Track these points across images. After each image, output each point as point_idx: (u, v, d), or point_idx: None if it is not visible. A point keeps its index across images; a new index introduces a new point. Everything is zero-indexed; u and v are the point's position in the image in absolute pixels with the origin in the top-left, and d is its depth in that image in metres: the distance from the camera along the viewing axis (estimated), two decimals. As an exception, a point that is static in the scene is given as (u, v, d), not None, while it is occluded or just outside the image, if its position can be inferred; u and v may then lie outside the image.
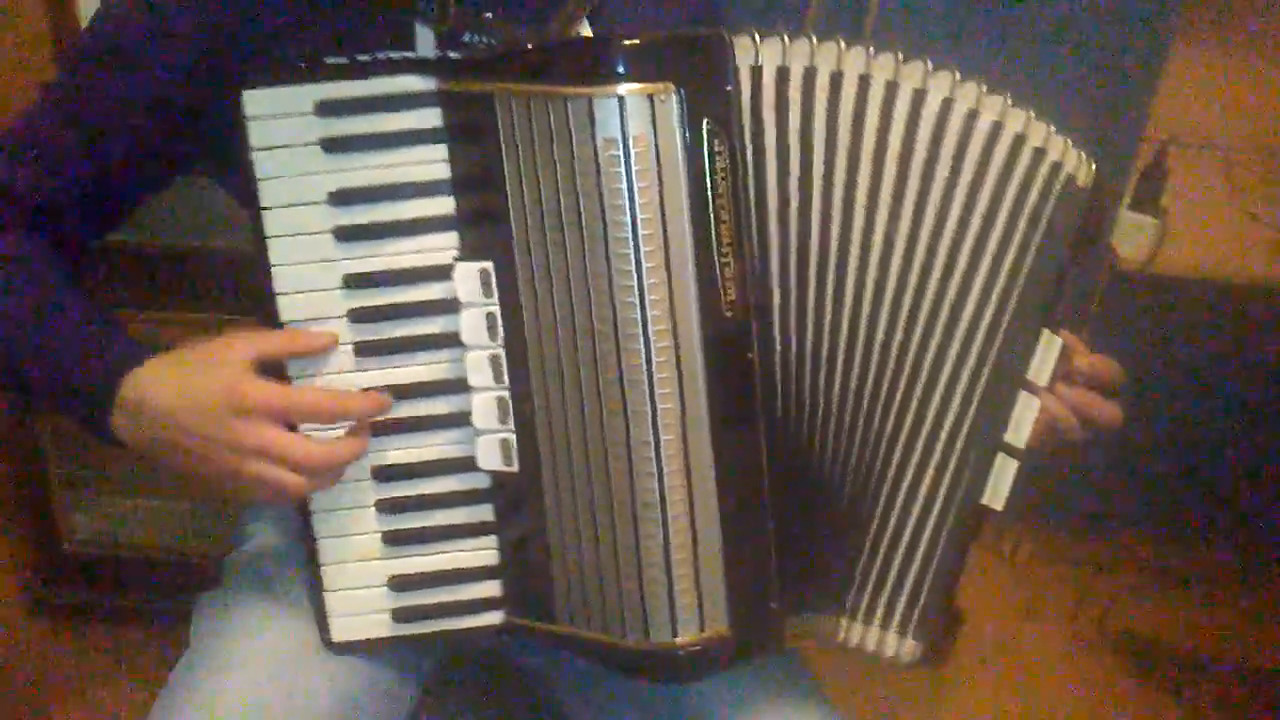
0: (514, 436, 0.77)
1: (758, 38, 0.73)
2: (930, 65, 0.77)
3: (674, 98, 0.69)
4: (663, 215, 0.70)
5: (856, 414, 0.80)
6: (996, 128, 0.78)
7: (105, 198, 0.84)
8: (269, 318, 0.76)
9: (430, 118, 0.74)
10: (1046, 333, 0.81)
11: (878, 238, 0.78)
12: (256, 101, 0.73)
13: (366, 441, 0.76)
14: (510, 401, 0.77)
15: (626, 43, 0.69)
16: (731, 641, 0.78)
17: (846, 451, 0.81)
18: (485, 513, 0.80)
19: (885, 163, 0.77)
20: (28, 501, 1.62)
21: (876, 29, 1.54)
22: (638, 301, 0.71)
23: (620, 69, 0.69)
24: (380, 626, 0.81)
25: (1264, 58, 1.81)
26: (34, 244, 0.81)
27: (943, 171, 0.78)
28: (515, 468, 0.78)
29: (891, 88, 0.76)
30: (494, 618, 0.82)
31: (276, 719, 0.78)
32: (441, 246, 0.76)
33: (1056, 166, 0.79)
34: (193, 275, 1.47)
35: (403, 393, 0.77)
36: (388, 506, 0.79)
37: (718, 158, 0.71)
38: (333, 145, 0.74)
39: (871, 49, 0.76)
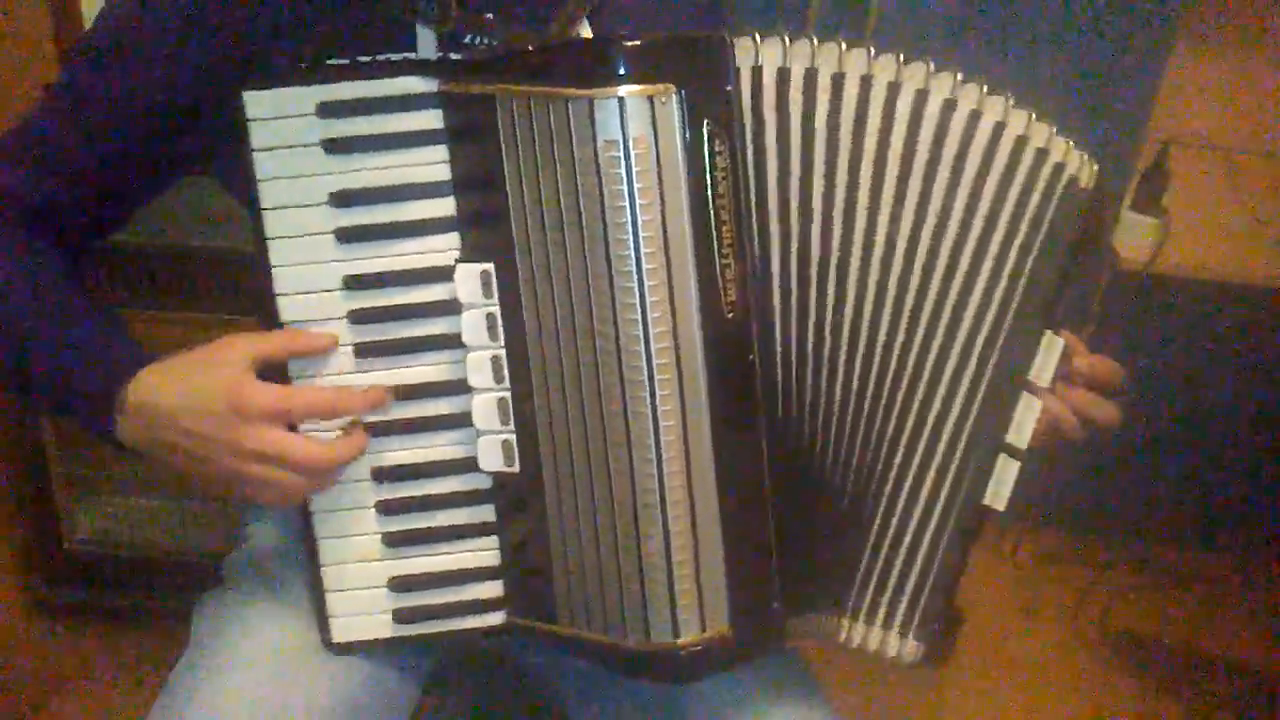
0: (515, 437, 0.77)
1: (758, 39, 0.73)
2: (932, 66, 0.76)
3: (674, 99, 0.69)
4: (663, 216, 0.70)
5: (858, 415, 0.80)
6: (999, 129, 0.77)
7: (107, 198, 0.84)
8: (269, 318, 0.76)
9: (431, 119, 0.75)
10: (1048, 334, 0.81)
11: (879, 239, 0.78)
12: (257, 102, 0.73)
13: (367, 440, 0.76)
14: (511, 402, 0.77)
15: (627, 44, 0.69)
16: (732, 642, 0.78)
17: (848, 452, 0.81)
18: (486, 513, 0.80)
19: (887, 164, 0.77)
20: (29, 501, 1.62)
21: (877, 30, 1.54)
22: (638, 302, 0.71)
23: (621, 70, 0.69)
24: (381, 627, 0.81)
25: (1266, 58, 1.81)
26: (37, 245, 0.82)
27: (944, 173, 0.78)
28: (516, 468, 0.78)
29: (893, 88, 0.76)
30: (495, 618, 0.82)
31: (277, 719, 0.78)
32: (442, 248, 0.76)
33: (1059, 168, 0.79)
34: (193, 275, 1.47)
35: (403, 394, 0.77)
36: (388, 507, 0.79)
37: (718, 158, 0.71)
38: (334, 146, 0.74)
39: (873, 50, 0.75)
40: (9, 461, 1.61)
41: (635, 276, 0.71)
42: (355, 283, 0.76)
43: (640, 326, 0.71)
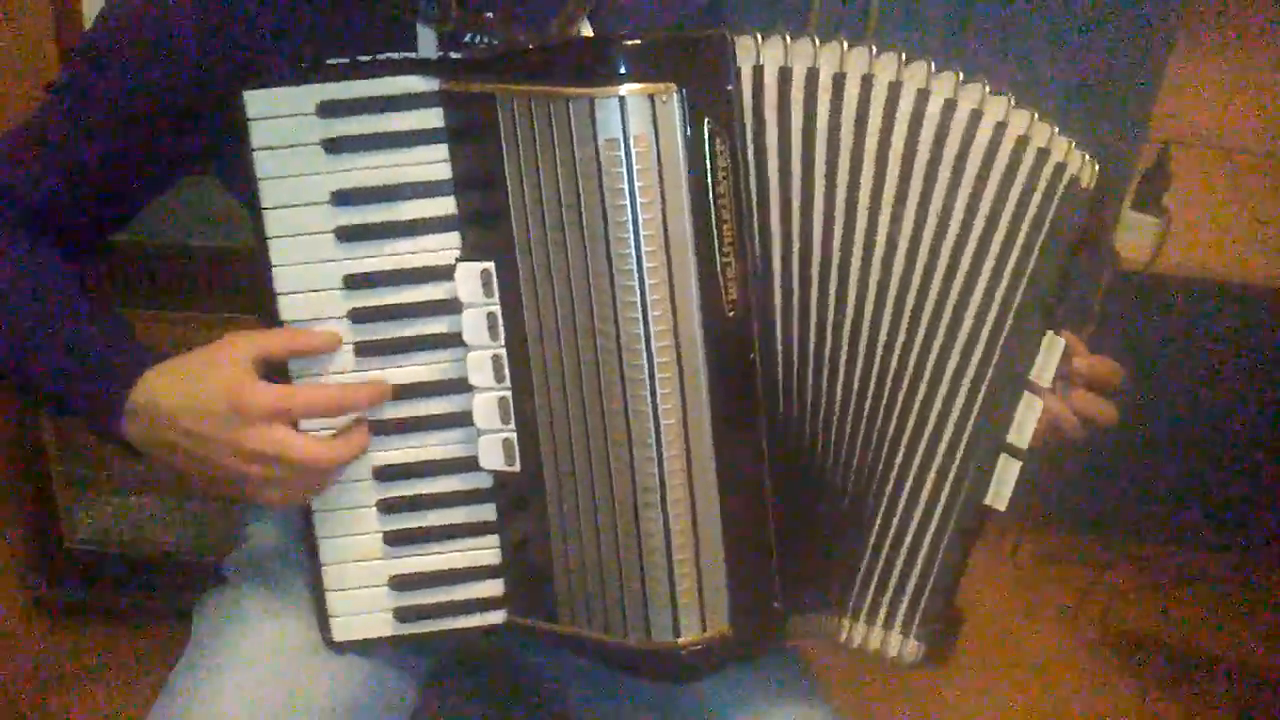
0: (515, 436, 0.77)
1: (759, 38, 0.73)
2: (933, 66, 0.76)
3: (675, 98, 0.69)
4: (664, 215, 0.70)
5: (858, 415, 0.80)
6: (1000, 128, 0.77)
7: (109, 198, 0.84)
8: (269, 317, 0.76)
9: (431, 118, 0.75)
10: (1049, 334, 0.80)
11: (880, 239, 0.78)
12: (258, 102, 0.73)
13: (368, 439, 0.76)
14: (511, 401, 0.77)
15: (627, 43, 0.70)
16: (733, 641, 0.78)
17: (848, 452, 0.81)
18: (487, 512, 0.80)
19: (888, 164, 0.77)
20: (29, 500, 1.62)
21: (877, 30, 1.54)
22: (639, 301, 0.71)
23: (621, 69, 0.69)
24: (382, 626, 0.81)
25: (1267, 58, 1.81)
26: (40, 246, 0.82)
27: (946, 173, 0.77)
28: (517, 467, 0.78)
29: (895, 88, 0.76)
30: (496, 617, 0.82)
31: (277, 718, 0.78)
32: (443, 247, 0.76)
33: (1060, 168, 0.79)
34: (193, 274, 1.47)
35: (404, 393, 0.77)
36: (389, 506, 0.79)
37: (719, 157, 0.71)
38: (334, 145, 0.74)
39: (874, 49, 0.75)
40: (9, 461, 1.61)
41: (636, 275, 0.71)
42: (355, 282, 0.76)
43: (641, 325, 0.71)
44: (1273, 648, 1.91)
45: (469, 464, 0.78)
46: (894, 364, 0.80)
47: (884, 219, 0.77)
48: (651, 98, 0.69)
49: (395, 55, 0.77)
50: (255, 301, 0.78)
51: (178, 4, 0.78)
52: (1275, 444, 1.97)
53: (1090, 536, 2.07)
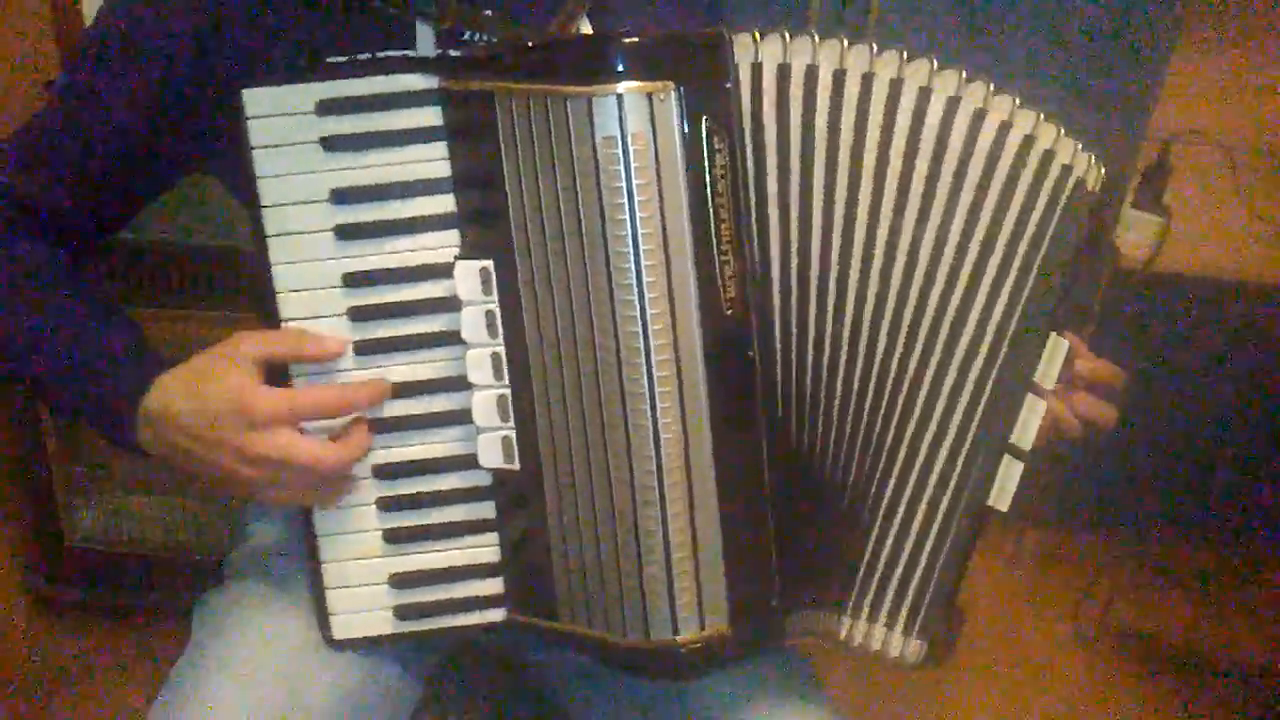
0: (514, 434, 0.77)
1: (758, 35, 0.73)
2: (936, 64, 0.76)
3: (673, 96, 0.69)
4: (662, 213, 0.70)
5: (859, 414, 0.80)
6: (1005, 128, 0.77)
7: (110, 198, 0.84)
8: (269, 316, 0.76)
9: (430, 116, 0.75)
10: (1053, 336, 0.80)
11: (881, 239, 0.77)
12: (257, 100, 0.73)
13: (371, 438, 0.77)
14: (510, 399, 0.77)
15: (626, 41, 0.69)
16: (732, 640, 0.78)
17: (849, 453, 0.81)
18: (486, 510, 0.80)
19: (889, 163, 0.76)
20: (30, 498, 1.62)
21: (877, 28, 1.54)
22: (637, 299, 0.71)
23: (619, 67, 0.69)
24: (382, 624, 0.81)
25: (1267, 56, 1.81)
26: (47, 251, 0.82)
27: (949, 173, 0.77)
28: (516, 465, 0.78)
29: (896, 85, 0.75)
30: (495, 615, 0.82)
31: (278, 716, 0.78)
32: (441, 245, 0.76)
33: (1066, 170, 0.78)
34: (193, 273, 1.47)
35: (403, 390, 0.77)
36: (389, 504, 0.79)
37: (717, 156, 0.71)
38: (333, 144, 0.74)
39: (875, 46, 0.75)
40: (9, 461, 1.62)
41: (634, 273, 0.70)
42: (355, 280, 0.76)
43: (639, 322, 0.71)
44: (1273, 647, 1.91)
45: (468, 462, 0.78)
46: (894, 365, 0.80)
47: (885, 219, 0.77)
48: (649, 96, 0.69)
49: (394, 53, 0.77)
50: (255, 300, 0.78)
51: (177, 3, 0.78)
52: (1275, 443, 1.97)
53: (1091, 535, 2.07)
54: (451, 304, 0.76)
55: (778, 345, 0.77)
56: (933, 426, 0.81)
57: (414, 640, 0.84)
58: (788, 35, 0.73)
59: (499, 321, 0.76)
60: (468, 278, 0.75)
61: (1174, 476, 2.03)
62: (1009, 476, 0.81)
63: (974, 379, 0.80)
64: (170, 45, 0.78)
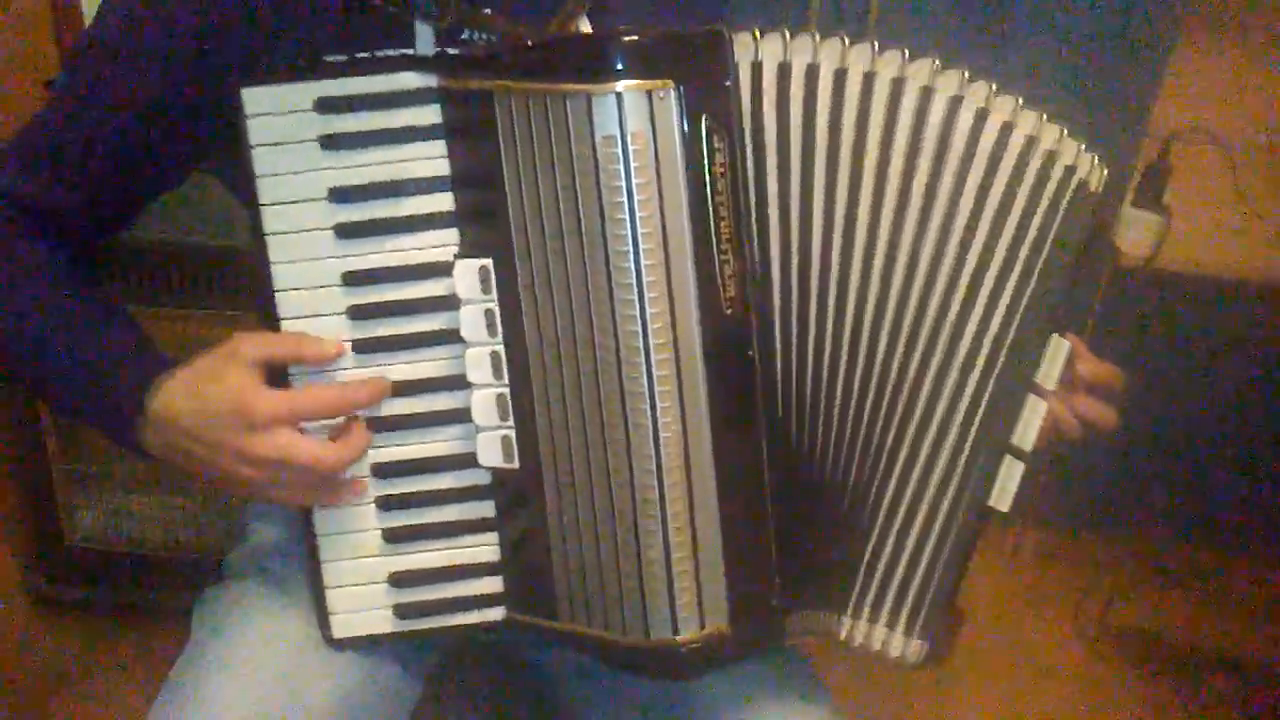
0: (514, 433, 0.77)
1: (759, 34, 0.73)
2: (938, 63, 0.76)
3: (673, 94, 0.69)
4: (661, 212, 0.70)
5: (860, 416, 0.80)
6: (1007, 129, 0.77)
7: (111, 198, 0.84)
8: (268, 315, 0.76)
9: (429, 115, 0.75)
10: (1055, 336, 0.80)
11: (881, 239, 0.77)
12: (256, 99, 0.73)
13: (370, 437, 0.77)
14: (510, 398, 0.77)
15: (625, 40, 0.69)
16: (731, 639, 0.78)
17: (849, 454, 0.81)
18: (486, 509, 0.80)
19: (890, 163, 0.76)
20: (31, 497, 1.62)
21: (878, 27, 1.54)
22: (636, 298, 0.71)
23: (619, 66, 0.69)
24: (381, 623, 0.81)
25: (1268, 55, 1.81)
26: (48, 251, 0.82)
27: (950, 174, 0.77)
28: (515, 464, 0.78)
29: (898, 84, 0.75)
30: (495, 614, 0.82)
31: (278, 716, 0.78)
32: (441, 243, 0.76)
33: (1069, 171, 0.78)
34: (193, 272, 1.46)
35: (402, 389, 0.77)
36: (388, 503, 0.79)
37: (717, 154, 0.71)
38: (332, 142, 0.74)
39: (875, 45, 0.75)
40: (9, 460, 1.62)
41: (633, 272, 0.70)
42: (354, 278, 0.76)
43: (638, 322, 0.71)
44: (1273, 647, 1.90)
45: (468, 461, 0.78)
46: (895, 365, 0.80)
47: (885, 219, 0.77)
48: (649, 94, 0.69)
49: (393, 52, 0.77)
50: (254, 299, 0.78)
51: (176, 3, 0.78)
52: (1275, 442, 1.97)
53: (1091, 535, 2.07)
54: (451, 303, 0.76)
55: (778, 345, 0.77)
56: (933, 427, 0.80)
57: (414, 639, 0.84)
58: (788, 34, 0.73)
59: (498, 320, 0.76)
60: (467, 276, 0.75)
61: (1174, 476, 2.03)
62: (1010, 477, 0.81)
63: (975, 380, 0.80)
64: (170, 45, 0.78)
